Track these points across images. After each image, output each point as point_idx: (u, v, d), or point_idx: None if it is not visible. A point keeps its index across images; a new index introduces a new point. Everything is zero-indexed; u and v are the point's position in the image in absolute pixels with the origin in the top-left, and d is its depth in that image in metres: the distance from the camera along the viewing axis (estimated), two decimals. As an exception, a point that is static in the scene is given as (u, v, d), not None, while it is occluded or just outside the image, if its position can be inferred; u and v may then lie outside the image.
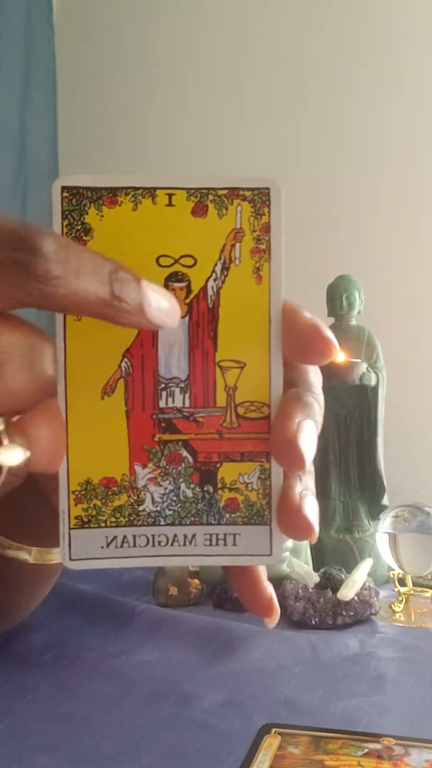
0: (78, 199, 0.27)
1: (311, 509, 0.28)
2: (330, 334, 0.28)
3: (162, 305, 0.26)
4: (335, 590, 0.63)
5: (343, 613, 0.61)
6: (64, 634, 0.57)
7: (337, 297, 0.79)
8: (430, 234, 1.09)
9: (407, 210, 1.10)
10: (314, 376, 0.30)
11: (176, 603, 0.66)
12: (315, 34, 1.15)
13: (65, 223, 0.27)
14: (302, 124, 1.15)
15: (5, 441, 0.24)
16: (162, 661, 0.53)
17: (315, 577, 0.67)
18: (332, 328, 0.77)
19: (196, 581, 0.69)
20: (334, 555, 0.74)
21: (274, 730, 0.41)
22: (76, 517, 0.28)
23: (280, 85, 1.16)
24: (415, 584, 0.70)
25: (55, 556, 0.43)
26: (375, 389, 0.78)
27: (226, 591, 0.67)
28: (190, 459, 0.28)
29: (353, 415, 0.79)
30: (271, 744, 0.40)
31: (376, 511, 0.78)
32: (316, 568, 0.70)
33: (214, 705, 0.46)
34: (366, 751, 0.39)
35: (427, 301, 1.08)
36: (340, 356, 0.29)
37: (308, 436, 0.27)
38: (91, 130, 1.28)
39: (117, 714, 0.45)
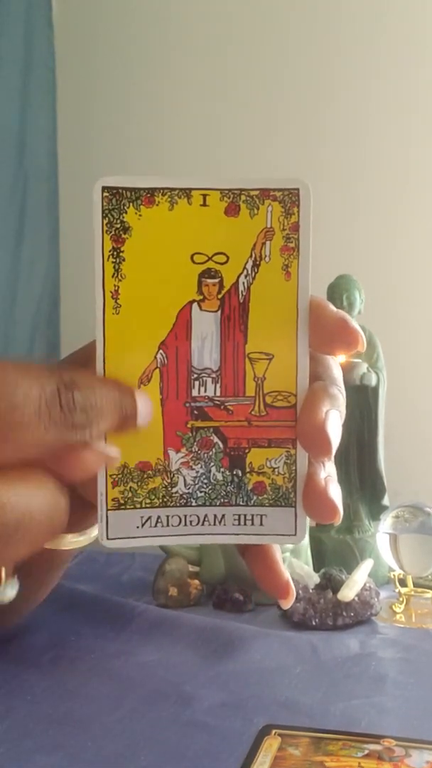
0: (117, 198, 0.29)
1: (336, 493, 0.30)
2: (357, 326, 0.30)
3: (145, 408, 0.29)
4: (336, 591, 0.63)
5: (344, 613, 0.61)
6: (64, 635, 0.57)
7: (337, 297, 0.79)
8: (430, 234, 1.09)
9: (408, 210, 1.09)
10: (337, 371, 0.32)
11: (176, 604, 0.66)
12: (327, 32, 1.14)
13: (105, 221, 0.29)
14: (304, 123, 1.15)
15: (3, 578, 0.26)
16: (162, 662, 0.52)
17: (315, 578, 0.67)
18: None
19: (196, 582, 0.69)
20: (335, 555, 0.74)
21: (274, 731, 0.41)
22: (113, 499, 0.30)
23: (282, 83, 1.16)
24: (415, 585, 0.69)
25: (68, 542, 0.43)
26: (375, 389, 0.78)
27: (226, 591, 0.67)
28: (221, 444, 0.30)
29: (353, 415, 0.79)
30: (271, 745, 0.40)
31: (376, 511, 0.78)
32: (316, 569, 0.70)
33: (214, 706, 0.46)
34: (366, 752, 0.39)
35: (428, 301, 1.08)
36: (365, 347, 0.30)
37: (334, 424, 0.29)
38: (91, 130, 1.28)
39: (117, 715, 0.45)
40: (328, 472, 0.30)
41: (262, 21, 1.18)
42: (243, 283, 0.30)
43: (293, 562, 0.69)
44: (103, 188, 0.29)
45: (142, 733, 0.42)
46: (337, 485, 0.30)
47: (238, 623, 0.59)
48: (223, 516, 0.30)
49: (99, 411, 0.27)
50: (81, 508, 0.31)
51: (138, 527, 0.30)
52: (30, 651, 0.53)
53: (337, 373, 0.32)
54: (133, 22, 1.25)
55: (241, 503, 0.30)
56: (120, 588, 0.69)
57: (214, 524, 0.30)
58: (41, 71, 1.23)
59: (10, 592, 0.26)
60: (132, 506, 0.30)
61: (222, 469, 0.30)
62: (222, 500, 0.30)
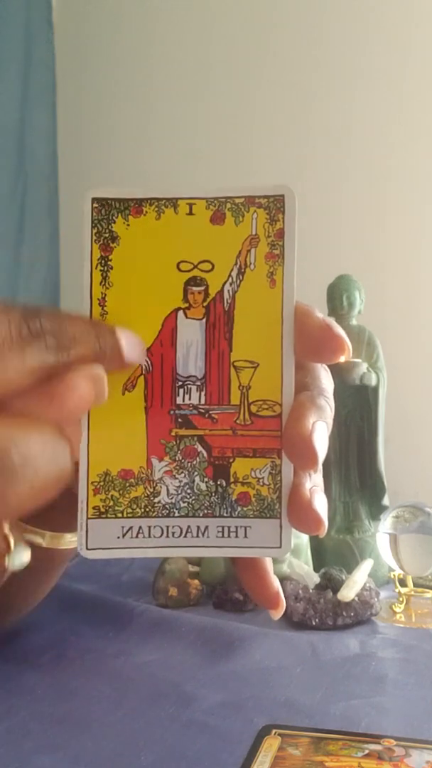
0: (107, 209, 0.29)
1: (321, 504, 0.29)
2: (341, 332, 0.29)
3: (131, 344, 0.28)
4: (335, 591, 0.63)
5: (344, 613, 0.61)
6: (64, 635, 0.57)
7: (337, 297, 0.79)
8: (430, 234, 1.09)
9: (408, 210, 1.10)
10: (327, 381, 0.31)
11: (176, 604, 0.66)
12: (320, 36, 1.15)
13: (94, 231, 0.29)
14: (303, 124, 1.15)
15: (12, 544, 0.24)
16: (162, 662, 0.52)
17: (315, 578, 0.67)
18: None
19: (196, 582, 0.68)
20: (335, 555, 0.74)
21: (274, 731, 0.41)
22: (94, 507, 0.29)
23: (282, 85, 1.16)
24: (415, 585, 0.69)
25: (67, 542, 0.43)
26: (375, 389, 0.78)
27: (226, 591, 0.66)
28: (205, 453, 0.30)
29: (353, 415, 0.79)
30: (271, 745, 0.40)
31: (376, 511, 0.78)
32: (316, 569, 0.70)
33: (214, 706, 0.46)
34: (366, 752, 0.39)
35: (428, 301, 1.08)
36: (350, 354, 0.30)
37: (321, 436, 0.29)
38: (91, 129, 1.28)
39: (117, 715, 0.45)
40: (314, 483, 0.30)
41: (258, 21, 1.18)
42: (228, 291, 0.30)
43: (293, 562, 0.69)
44: (93, 199, 0.29)
45: (142, 733, 0.42)
46: (323, 496, 0.30)
47: (238, 623, 0.59)
48: (207, 527, 0.30)
49: (71, 337, 0.26)
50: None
51: (119, 537, 0.29)
52: (30, 650, 0.53)
53: (326, 383, 0.31)
54: (132, 22, 1.25)
55: (224, 514, 0.30)
56: (120, 588, 0.69)
57: (197, 536, 0.30)
58: (41, 71, 1.24)
59: (22, 558, 0.24)
60: (113, 515, 0.29)
61: (206, 479, 0.30)
62: (205, 511, 0.30)
